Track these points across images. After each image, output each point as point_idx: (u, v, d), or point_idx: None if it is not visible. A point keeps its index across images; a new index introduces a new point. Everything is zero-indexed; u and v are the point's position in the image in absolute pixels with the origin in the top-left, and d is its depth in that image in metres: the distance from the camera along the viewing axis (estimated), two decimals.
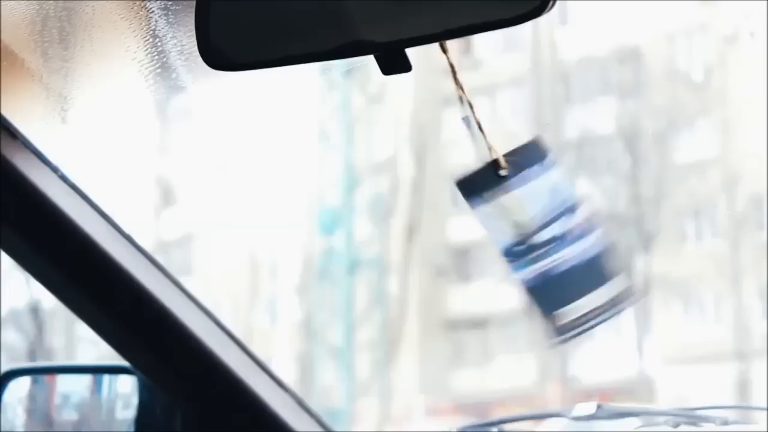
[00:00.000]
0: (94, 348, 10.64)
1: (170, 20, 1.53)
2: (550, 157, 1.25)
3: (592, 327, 1.23)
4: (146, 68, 1.65)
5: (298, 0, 1.22)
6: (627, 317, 16.09)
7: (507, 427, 2.07)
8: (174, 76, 1.68)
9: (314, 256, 17.17)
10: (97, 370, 1.92)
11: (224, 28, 1.25)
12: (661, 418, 1.99)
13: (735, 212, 15.24)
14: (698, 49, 15.95)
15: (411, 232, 16.56)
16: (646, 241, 15.88)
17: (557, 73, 17.12)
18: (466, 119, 1.28)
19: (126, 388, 1.87)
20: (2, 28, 1.58)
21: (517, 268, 1.23)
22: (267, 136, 17.24)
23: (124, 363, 1.85)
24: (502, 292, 17.13)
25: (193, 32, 1.25)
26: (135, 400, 1.86)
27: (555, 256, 1.23)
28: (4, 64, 1.66)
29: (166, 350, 1.80)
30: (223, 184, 17.24)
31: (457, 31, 1.19)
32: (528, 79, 17.34)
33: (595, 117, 16.62)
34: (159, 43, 1.58)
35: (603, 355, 15.92)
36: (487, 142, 1.26)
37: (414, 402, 16.19)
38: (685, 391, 14.85)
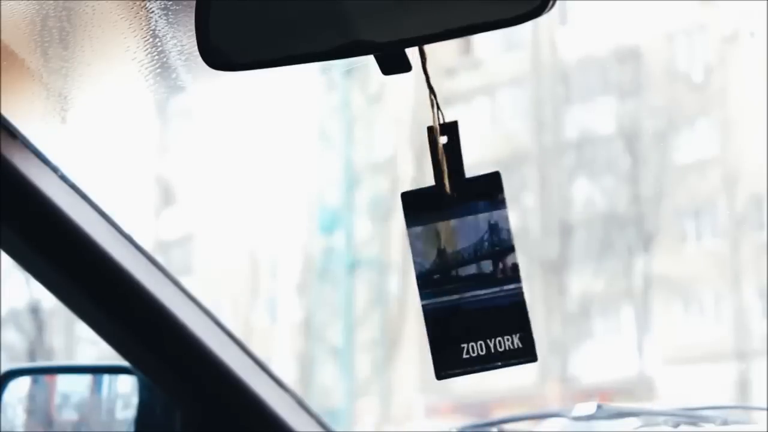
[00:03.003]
0: (94, 348, 10.63)
1: (170, 20, 1.53)
2: (501, 196, 1.25)
3: (476, 372, 1.24)
4: (146, 68, 1.65)
5: (298, 0, 1.22)
6: (627, 317, 16.09)
7: (507, 427, 2.07)
8: (174, 76, 1.68)
9: (314, 255, 17.17)
10: (97, 370, 1.92)
11: (224, 28, 1.25)
12: (661, 418, 1.99)
13: (735, 212, 15.23)
14: (698, 49, 15.95)
15: None
16: (646, 241, 15.87)
17: (557, 73, 17.12)
18: (431, 130, 1.27)
19: (126, 388, 1.87)
20: (2, 28, 1.58)
21: (426, 295, 1.24)
22: (267, 136, 17.24)
23: (124, 363, 1.85)
24: None
25: (193, 32, 1.25)
26: (135, 400, 1.86)
27: (467, 294, 1.24)
28: (4, 64, 1.66)
29: (166, 350, 1.80)
30: (223, 184, 17.24)
31: (457, 31, 1.19)
32: (528, 79, 17.33)
33: (595, 117, 16.62)
34: (159, 43, 1.58)
35: (603, 355, 15.91)
36: (442, 164, 1.25)
37: (414, 402, 16.19)
38: (685, 391, 14.85)
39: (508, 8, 1.15)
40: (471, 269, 1.24)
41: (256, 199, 17.18)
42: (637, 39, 16.19)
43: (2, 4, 1.52)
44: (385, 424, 15.96)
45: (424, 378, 16.19)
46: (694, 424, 1.94)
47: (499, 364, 1.25)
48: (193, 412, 1.81)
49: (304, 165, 17.32)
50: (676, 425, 1.93)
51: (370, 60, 1.25)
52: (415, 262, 1.24)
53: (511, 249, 1.24)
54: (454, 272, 1.24)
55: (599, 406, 1.99)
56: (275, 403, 1.81)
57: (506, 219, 1.25)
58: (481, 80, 17.50)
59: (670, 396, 14.85)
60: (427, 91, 1.29)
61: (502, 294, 1.24)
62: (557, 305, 16.53)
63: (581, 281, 16.39)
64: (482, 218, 1.25)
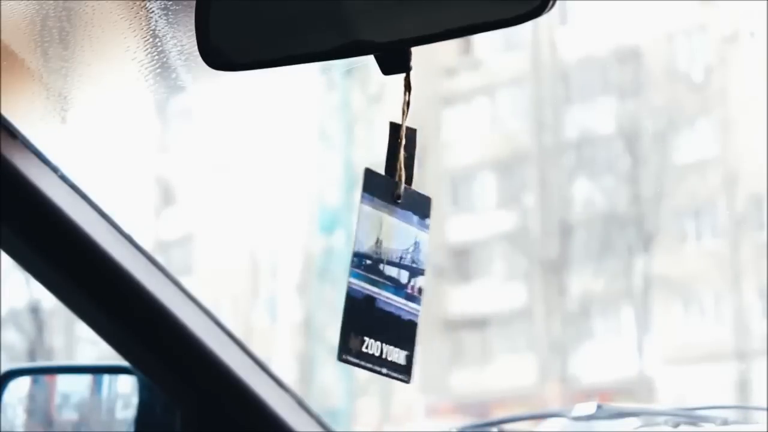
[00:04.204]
0: (94, 348, 10.64)
1: (170, 20, 1.53)
2: (428, 221, 1.26)
3: (366, 369, 1.25)
4: (146, 68, 1.65)
5: (298, 0, 1.22)
6: (627, 317, 16.10)
7: (507, 427, 2.08)
8: (174, 76, 1.68)
9: (314, 256, 17.18)
10: (97, 370, 1.92)
11: (224, 28, 1.25)
12: (661, 418, 1.99)
13: (735, 212, 15.24)
14: (698, 49, 15.96)
15: None
16: (646, 241, 15.88)
17: (557, 73, 17.12)
18: (396, 126, 1.27)
19: (126, 388, 1.87)
20: (2, 28, 1.58)
21: (356, 275, 1.24)
22: (267, 136, 17.25)
23: (124, 363, 1.85)
24: (502, 292, 17.13)
25: (193, 32, 1.25)
26: (135, 400, 1.86)
27: (383, 293, 1.24)
28: (4, 64, 1.66)
29: (166, 350, 1.80)
30: (223, 184, 17.25)
31: (457, 31, 1.19)
32: (528, 79, 17.34)
33: (595, 117, 16.63)
34: (159, 43, 1.58)
35: (603, 355, 15.92)
36: (400, 167, 1.26)
37: (414, 402, 16.19)
38: (685, 391, 14.85)
39: (508, 8, 1.15)
40: (393, 271, 1.24)
41: (256, 199, 17.19)
42: (637, 39, 16.20)
43: (2, 4, 1.52)
44: (385, 424, 15.96)
45: (424, 378, 16.20)
46: (694, 424, 1.94)
47: (384, 371, 1.25)
48: (193, 412, 1.81)
49: (304, 165, 17.33)
50: (676, 425, 1.93)
51: (370, 60, 1.25)
52: (356, 239, 1.24)
53: (422, 272, 1.25)
54: (381, 266, 1.24)
55: (599, 406, 1.99)
56: (275, 403, 1.82)
57: (426, 244, 1.26)
58: (481, 80, 17.50)
59: (670, 396, 14.86)
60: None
61: (404, 308, 1.25)
62: (557, 305, 16.53)
63: (581, 281, 16.40)
64: (413, 231, 1.25)
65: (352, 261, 1.24)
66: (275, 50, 1.24)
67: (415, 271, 1.25)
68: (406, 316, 1.25)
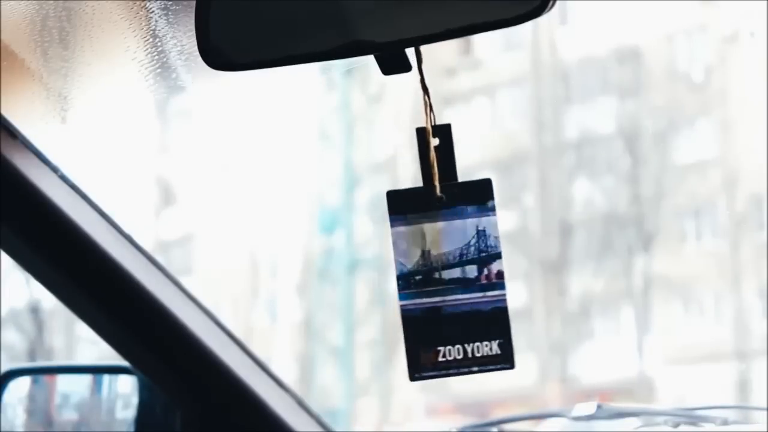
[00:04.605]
0: (94, 348, 10.64)
1: (170, 20, 1.53)
2: (492, 203, 1.25)
3: (450, 376, 1.24)
4: (146, 68, 1.65)
5: (298, 0, 1.22)
6: (627, 317, 16.09)
7: (507, 427, 2.08)
8: (174, 76, 1.68)
9: (314, 256, 17.17)
10: (97, 370, 1.92)
11: (224, 28, 1.25)
12: (661, 418, 1.99)
13: (735, 212, 15.24)
14: (698, 49, 15.95)
15: None
16: (646, 241, 15.88)
17: (557, 73, 17.12)
18: (422, 131, 1.27)
19: (126, 388, 1.87)
20: (2, 28, 1.58)
21: (406, 296, 1.24)
22: (267, 136, 17.25)
23: (124, 363, 1.85)
24: None
25: (193, 32, 1.25)
26: (135, 400, 1.86)
27: (449, 298, 1.23)
28: (4, 64, 1.66)
29: (166, 350, 1.80)
30: (223, 184, 17.24)
31: (457, 31, 1.19)
32: (528, 79, 17.34)
33: (595, 117, 16.62)
34: (159, 43, 1.58)
35: (603, 355, 15.92)
36: (433, 166, 1.25)
37: (414, 402, 16.19)
38: (685, 391, 14.85)
39: (508, 8, 1.15)
40: (455, 273, 1.23)
41: (256, 199, 17.18)
42: (637, 39, 16.19)
43: (2, 4, 1.52)
44: (385, 424, 15.96)
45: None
46: (694, 424, 1.94)
47: (476, 369, 1.24)
48: (193, 412, 1.81)
49: (304, 165, 17.33)
50: (676, 425, 1.93)
51: (370, 60, 1.25)
52: (396, 262, 1.24)
53: (498, 256, 1.24)
54: (437, 274, 1.23)
55: (599, 406, 1.99)
56: (275, 403, 1.82)
57: (495, 226, 1.24)
58: (481, 80, 17.50)
59: (670, 396, 14.86)
60: (430, 89, 1.29)
61: (484, 300, 1.23)
62: (557, 305, 16.53)
63: (581, 281, 16.39)
64: (470, 223, 1.24)
65: (398, 285, 1.24)
66: (275, 50, 1.24)
67: (486, 260, 1.24)
68: (488, 307, 1.24)
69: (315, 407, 1.89)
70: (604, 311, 16.28)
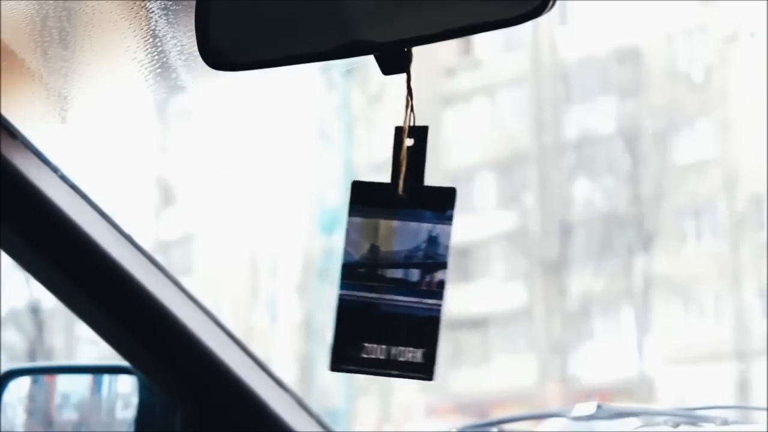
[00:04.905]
0: (94, 348, 10.64)
1: (170, 20, 1.53)
2: (451, 213, 1.24)
3: (370, 374, 1.23)
4: (146, 68, 1.65)
5: (298, 0, 1.22)
6: (627, 317, 16.09)
7: (507, 427, 2.07)
8: (174, 76, 1.68)
9: (314, 256, 17.18)
10: (97, 370, 1.92)
11: (224, 28, 1.25)
12: (661, 418, 1.99)
13: (735, 212, 15.24)
14: (698, 49, 15.95)
15: None
16: (646, 241, 15.88)
17: (557, 73, 17.12)
18: (399, 130, 1.26)
19: (126, 388, 1.87)
20: (2, 28, 1.58)
21: (346, 286, 1.23)
22: (267, 136, 17.25)
23: (124, 363, 1.85)
24: (502, 292, 17.13)
25: (193, 32, 1.25)
26: (135, 400, 1.86)
27: (386, 296, 1.22)
28: (4, 64, 1.66)
29: (166, 350, 1.80)
30: (223, 183, 17.25)
31: (457, 31, 1.19)
32: (528, 79, 17.34)
33: (595, 117, 16.63)
34: (159, 43, 1.59)
35: (603, 355, 15.92)
36: (402, 165, 1.25)
37: (414, 402, 16.19)
38: (685, 391, 14.85)
39: (508, 8, 1.15)
40: (398, 273, 1.23)
41: (256, 199, 17.18)
42: (637, 39, 16.19)
43: (2, 4, 1.52)
44: (385, 424, 15.96)
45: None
46: (694, 424, 1.94)
47: (395, 373, 1.23)
48: (193, 412, 1.81)
49: (304, 165, 17.33)
50: (676, 425, 1.93)
51: (370, 60, 1.25)
52: (344, 251, 1.23)
53: (444, 265, 1.23)
54: (380, 271, 1.23)
55: (599, 406, 1.99)
56: (275, 403, 1.82)
57: (448, 235, 1.24)
58: (481, 80, 17.50)
59: (670, 396, 14.86)
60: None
61: (421, 306, 1.23)
62: (557, 305, 16.53)
63: (581, 281, 16.39)
64: (425, 228, 1.23)
65: (341, 273, 1.23)
66: (275, 50, 1.24)
67: (432, 267, 1.23)
68: (423, 314, 1.23)
69: (315, 407, 1.89)
70: (604, 311, 16.28)
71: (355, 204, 1.24)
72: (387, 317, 1.23)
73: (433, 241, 1.23)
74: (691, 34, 15.95)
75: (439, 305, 1.23)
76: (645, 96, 16.34)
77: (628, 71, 16.31)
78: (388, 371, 1.23)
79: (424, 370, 1.23)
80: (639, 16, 16.14)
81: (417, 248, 1.23)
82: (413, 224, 1.24)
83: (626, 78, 16.33)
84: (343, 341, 1.22)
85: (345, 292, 1.23)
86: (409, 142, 1.27)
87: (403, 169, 1.25)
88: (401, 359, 1.23)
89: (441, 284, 1.23)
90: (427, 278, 1.23)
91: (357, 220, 1.24)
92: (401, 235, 1.24)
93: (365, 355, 1.22)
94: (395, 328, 1.23)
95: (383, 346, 1.23)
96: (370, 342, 1.22)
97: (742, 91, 14.88)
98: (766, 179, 13.85)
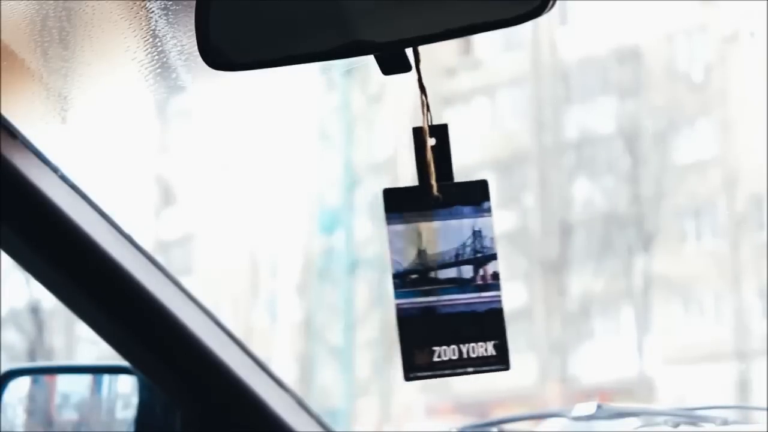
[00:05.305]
0: (94, 348, 10.64)
1: (170, 20, 1.53)
2: (488, 204, 1.24)
3: (445, 376, 1.24)
4: (146, 68, 1.65)
5: (298, 0, 1.22)
6: (627, 317, 16.09)
7: (507, 427, 2.07)
8: (174, 76, 1.68)
9: (314, 256, 17.17)
10: (97, 370, 1.92)
11: (224, 28, 1.25)
12: (661, 418, 1.98)
13: (735, 212, 15.23)
14: (698, 49, 15.95)
15: None
16: (646, 241, 15.88)
17: (557, 73, 17.12)
18: (419, 131, 1.26)
19: (126, 388, 1.87)
20: (2, 28, 1.58)
21: (401, 295, 1.23)
22: (267, 136, 17.24)
23: (124, 363, 1.85)
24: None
25: (193, 32, 1.25)
26: (135, 400, 1.86)
27: (444, 297, 1.23)
28: (4, 64, 1.66)
29: (166, 350, 1.80)
30: (223, 183, 17.24)
31: (457, 31, 1.19)
32: (528, 79, 17.34)
33: (595, 117, 16.62)
34: (159, 43, 1.58)
35: (603, 355, 15.92)
36: (429, 166, 1.25)
37: (414, 402, 16.19)
38: (685, 391, 14.85)
39: (508, 8, 1.15)
40: (450, 273, 1.23)
41: (256, 199, 17.18)
42: (637, 39, 16.19)
43: (2, 4, 1.52)
44: (385, 424, 15.96)
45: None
46: (694, 424, 1.94)
47: (470, 369, 1.24)
48: (193, 412, 1.81)
49: (304, 165, 17.33)
50: (676, 425, 1.93)
51: (370, 60, 1.25)
52: (392, 260, 1.24)
53: (493, 257, 1.23)
54: (432, 274, 1.23)
55: (599, 406, 1.99)
56: (275, 403, 1.81)
57: (491, 227, 1.24)
58: (481, 80, 17.50)
59: (670, 396, 14.85)
60: (430, 89, 1.28)
61: (479, 300, 1.23)
62: (557, 305, 16.53)
63: (581, 281, 16.39)
64: (466, 223, 1.24)
65: (394, 283, 1.23)
66: (275, 50, 1.24)
67: (482, 260, 1.24)
68: (483, 308, 1.23)
69: (315, 407, 1.89)
70: (604, 311, 16.28)
71: (390, 212, 1.24)
72: (449, 317, 1.23)
73: (477, 234, 1.24)
74: (691, 34, 15.95)
75: (498, 296, 1.24)
76: (645, 96, 16.34)
77: (628, 71, 16.31)
78: (463, 369, 1.24)
79: (499, 361, 1.24)
80: (639, 16, 16.13)
81: (464, 245, 1.24)
82: (454, 222, 1.24)
83: (626, 78, 16.33)
84: (412, 350, 1.23)
85: (401, 300, 1.23)
86: (431, 141, 1.26)
87: (432, 169, 1.25)
88: (474, 355, 1.23)
89: (495, 276, 1.24)
90: (480, 272, 1.23)
91: (397, 227, 1.24)
92: (445, 234, 1.24)
93: (437, 359, 1.23)
94: (460, 327, 1.23)
95: (453, 347, 1.23)
96: (438, 345, 1.23)
97: (742, 91, 14.88)
98: (766, 179, 13.85)
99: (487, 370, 1.24)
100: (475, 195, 1.25)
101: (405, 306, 1.23)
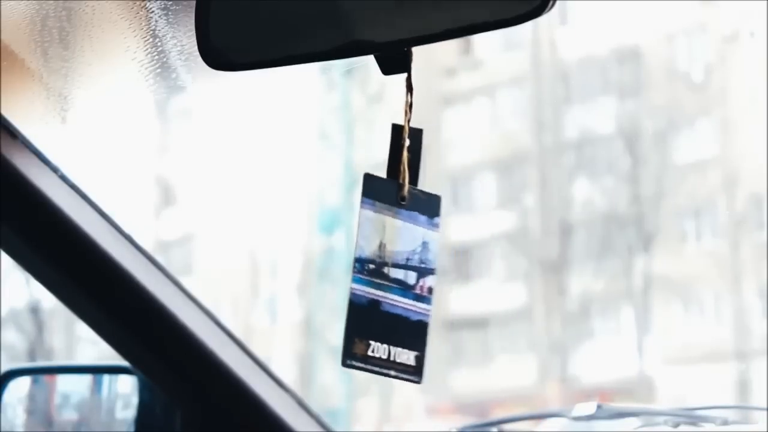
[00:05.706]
0: (94, 348, 10.64)
1: (170, 20, 1.53)
2: (437, 220, 1.26)
3: (373, 372, 1.24)
4: (146, 68, 1.65)
5: (298, 0, 1.22)
6: (627, 317, 16.09)
7: (507, 427, 2.07)
8: (174, 76, 1.68)
9: (314, 256, 17.17)
10: (97, 370, 1.92)
11: (224, 28, 1.25)
12: (661, 418, 1.98)
13: (735, 212, 15.24)
14: (698, 49, 15.95)
15: None
16: (646, 241, 15.88)
17: (557, 73, 17.12)
18: (399, 128, 1.27)
19: (126, 388, 1.87)
20: (2, 28, 1.58)
21: (358, 280, 1.24)
22: (267, 136, 17.25)
23: (124, 363, 1.85)
24: (502, 292, 17.13)
25: (193, 32, 1.25)
26: (135, 400, 1.86)
27: (390, 296, 1.24)
28: (4, 64, 1.66)
29: (166, 350, 1.80)
30: (223, 184, 17.25)
31: (457, 31, 1.19)
32: (528, 79, 17.34)
33: (595, 117, 16.63)
34: (159, 43, 1.58)
35: (603, 355, 15.92)
36: (404, 168, 1.25)
37: (414, 402, 16.19)
38: (685, 391, 14.85)
39: (508, 8, 1.15)
40: (399, 274, 1.24)
41: (256, 199, 17.19)
42: (637, 39, 16.19)
43: (2, 4, 1.52)
44: (385, 424, 15.96)
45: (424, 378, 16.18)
46: (694, 424, 1.94)
47: (393, 373, 1.25)
48: (193, 412, 1.81)
49: (304, 165, 17.33)
50: (676, 425, 1.93)
51: (370, 60, 1.25)
52: (358, 244, 1.24)
53: (432, 272, 1.25)
54: (386, 269, 1.24)
55: (599, 406, 1.99)
56: (275, 403, 1.81)
57: (437, 242, 1.25)
58: (481, 80, 17.50)
59: (670, 396, 14.86)
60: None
61: (414, 309, 1.24)
62: (557, 305, 16.53)
63: (581, 281, 16.39)
64: (420, 232, 1.25)
65: (354, 266, 1.24)
66: (275, 50, 1.24)
67: (424, 272, 1.25)
68: (415, 317, 1.25)
69: (315, 407, 1.89)
70: (604, 311, 16.28)
71: (365, 197, 1.25)
72: (389, 317, 1.24)
73: (425, 246, 1.25)
74: (691, 34, 15.95)
75: (428, 310, 1.25)
76: (645, 96, 16.34)
77: (628, 71, 16.32)
78: (387, 371, 1.24)
79: (415, 373, 1.25)
80: (639, 16, 16.14)
81: (414, 251, 1.25)
82: (413, 226, 1.25)
83: (626, 78, 16.33)
84: (353, 337, 1.23)
85: (356, 286, 1.24)
86: (407, 142, 1.27)
87: (406, 169, 1.26)
88: (398, 360, 1.24)
89: (430, 290, 1.25)
90: (420, 282, 1.24)
91: (369, 213, 1.25)
92: (404, 235, 1.25)
93: (371, 353, 1.23)
94: (395, 329, 1.24)
95: (386, 346, 1.24)
96: (375, 340, 1.23)
97: (742, 91, 14.88)
98: (766, 179, 13.85)
99: (404, 378, 1.25)
100: (431, 208, 1.26)
101: (358, 292, 1.24)
